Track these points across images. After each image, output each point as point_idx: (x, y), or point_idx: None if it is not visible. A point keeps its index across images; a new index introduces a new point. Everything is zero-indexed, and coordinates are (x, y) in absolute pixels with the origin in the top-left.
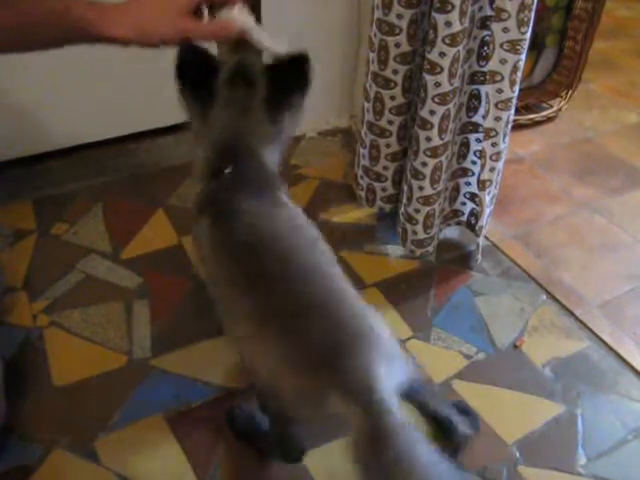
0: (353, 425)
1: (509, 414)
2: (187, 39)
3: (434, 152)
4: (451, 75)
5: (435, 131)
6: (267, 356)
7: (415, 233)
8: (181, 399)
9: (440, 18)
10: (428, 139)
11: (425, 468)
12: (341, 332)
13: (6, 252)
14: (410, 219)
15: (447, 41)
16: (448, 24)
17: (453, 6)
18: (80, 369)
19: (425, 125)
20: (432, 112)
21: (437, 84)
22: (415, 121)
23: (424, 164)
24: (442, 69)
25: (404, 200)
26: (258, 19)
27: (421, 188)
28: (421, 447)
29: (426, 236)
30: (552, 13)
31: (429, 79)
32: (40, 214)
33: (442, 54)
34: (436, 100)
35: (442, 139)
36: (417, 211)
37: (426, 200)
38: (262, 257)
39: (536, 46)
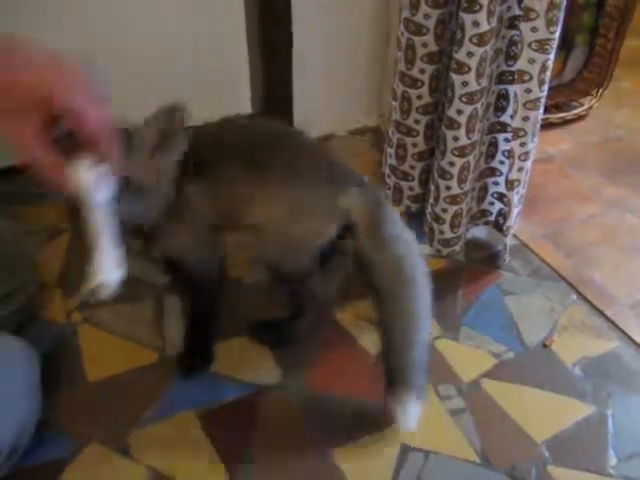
0: (358, 215)
1: (538, 413)
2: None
3: (461, 152)
4: (479, 75)
5: (463, 131)
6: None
7: (442, 232)
8: (212, 395)
9: (468, 18)
10: (455, 138)
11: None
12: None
13: (41, 249)
14: (437, 218)
15: (475, 41)
16: (476, 24)
17: (481, 6)
18: (113, 365)
19: (452, 125)
20: (459, 111)
21: (464, 83)
22: (442, 121)
23: (451, 164)
24: (470, 69)
25: (431, 199)
26: (288, 19)
27: (448, 188)
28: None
29: (453, 235)
30: (583, 10)
31: (456, 79)
32: (73, 212)
33: (470, 54)
34: (463, 100)
35: (469, 139)
36: (444, 210)
37: (453, 199)
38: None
39: (566, 44)
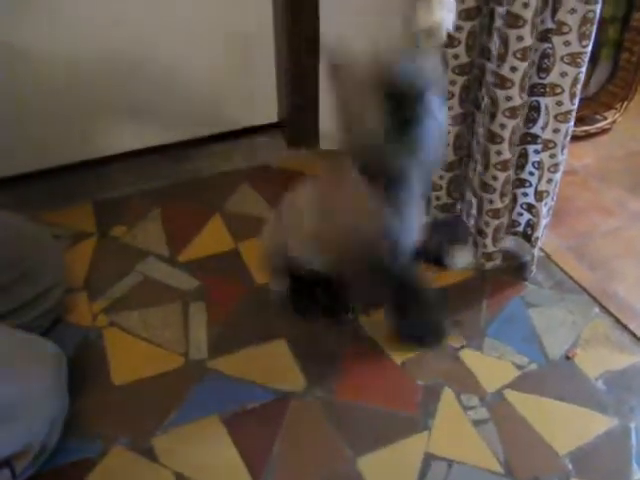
0: None
1: (561, 425)
2: None
3: (504, 165)
4: (522, 89)
5: (506, 145)
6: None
7: (485, 246)
8: (237, 401)
9: (512, 33)
10: (498, 153)
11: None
12: None
13: (67, 253)
14: (480, 232)
15: (519, 55)
16: (520, 39)
17: (525, 21)
18: (138, 368)
19: (495, 139)
20: (503, 126)
21: (508, 98)
22: (475, 134)
23: (495, 178)
24: (513, 84)
25: (473, 213)
26: (316, 36)
27: (491, 201)
28: None
29: (494, 249)
30: (608, 25)
31: (500, 93)
32: (100, 216)
33: (514, 69)
34: (507, 114)
35: (512, 153)
36: (487, 224)
37: (495, 213)
38: None
39: (592, 58)
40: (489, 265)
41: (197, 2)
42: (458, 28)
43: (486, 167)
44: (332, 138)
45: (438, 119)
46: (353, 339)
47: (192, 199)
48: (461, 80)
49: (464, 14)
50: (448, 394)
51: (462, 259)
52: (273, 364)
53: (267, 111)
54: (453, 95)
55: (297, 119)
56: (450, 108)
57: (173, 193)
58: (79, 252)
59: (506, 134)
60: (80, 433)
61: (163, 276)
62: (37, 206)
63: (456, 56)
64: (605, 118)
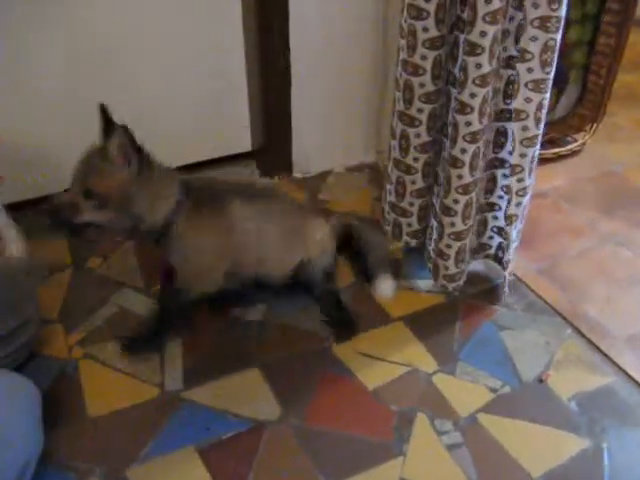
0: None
1: (535, 448)
2: None
3: (466, 189)
4: (481, 114)
5: (466, 169)
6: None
7: (447, 268)
8: (212, 431)
9: (470, 60)
10: (459, 177)
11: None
12: None
13: (43, 285)
14: (441, 255)
15: (478, 82)
16: (478, 66)
17: (483, 49)
18: (114, 400)
19: (456, 163)
20: (463, 151)
21: (467, 123)
22: (442, 159)
23: (456, 201)
24: (472, 109)
25: (434, 236)
26: (287, 58)
27: (453, 224)
28: None
29: (457, 270)
30: (575, 49)
31: (460, 119)
32: (75, 248)
33: (472, 95)
34: (467, 139)
35: (473, 176)
36: (449, 246)
37: (457, 236)
38: None
39: (559, 81)
40: (451, 286)
41: (172, 35)
42: (423, 57)
43: (447, 191)
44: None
45: None
46: (326, 366)
47: None
48: (428, 108)
49: (428, 43)
50: (422, 419)
51: (386, 288)
52: (247, 393)
53: (241, 140)
54: (421, 123)
55: (270, 148)
56: (418, 136)
57: None
58: (54, 284)
59: (466, 158)
60: (54, 466)
61: (138, 307)
62: None
63: (422, 84)
64: (575, 140)
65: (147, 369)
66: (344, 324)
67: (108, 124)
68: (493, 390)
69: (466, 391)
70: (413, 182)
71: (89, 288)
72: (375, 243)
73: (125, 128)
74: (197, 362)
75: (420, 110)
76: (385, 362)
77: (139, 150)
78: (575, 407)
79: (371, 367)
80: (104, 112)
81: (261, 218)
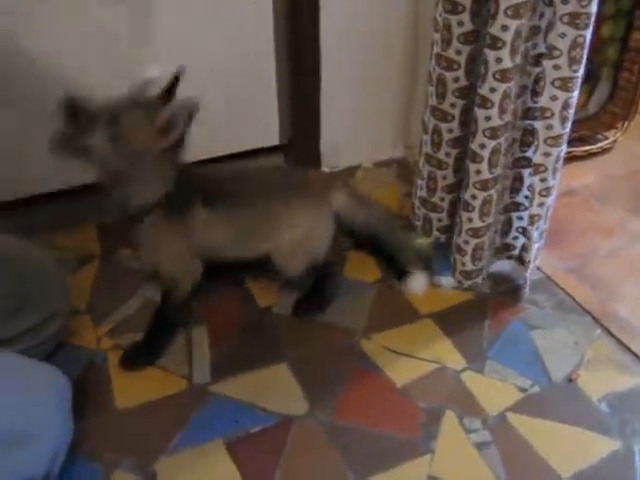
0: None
1: (564, 448)
2: None
3: (484, 185)
4: (502, 110)
5: (485, 165)
6: None
7: (463, 264)
8: (239, 424)
9: (491, 54)
10: (478, 172)
11: None
12: None
13: (71, 276)
14: (459, 250)
15: (497, 77)
16: (499, 60)
17: (504, 43)
18: (142, 392)
19: (475, 158)
20: (482, 146)
21: (487, 118)
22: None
23: (474, 197)
24: (493, 104)
25: (455, 231)
26: (317, 51)
27: (470, 220)
28: None
29: (474, 268)
30: (607, 45)
31: (480, 113)
32: (104, 239)
33: (492, 89)
34: (486, 134)
35: (492, 173)
36: (466, 242)
37: (475, 232)
38: None
39: (592, 78)
40: (468, 283)
41: (200, 26)
42: (457, 52)
43: (467, 186)
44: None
45: None
46: (355, 362)
47: None
48: (461, 103)
49: (463, 37)
50: (450, 417)
51: (417, 285)
52: (275, 387)
53: (269, 133)
54: (453, 118)
55: (299, 141)
56: (450, 131)
57: None
58: (83, 275)
59: (486, 154)
60: (83, 457)
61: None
62: (40, 230)
63: (456, 79)
64: (606, 138)
65: (175, 362)
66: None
67: (170, 90)
68: (522, 389)
69: (495, 389)
70: (444, 177)
71: (117, 279)
72: (404, 239)
73: (194, 106)
74: (225, 355)
75: (453, 105)
76: (413, 359)
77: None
78: (606, 408)
79: (399, 363)
80: (177, 79)
81: (224, 216)
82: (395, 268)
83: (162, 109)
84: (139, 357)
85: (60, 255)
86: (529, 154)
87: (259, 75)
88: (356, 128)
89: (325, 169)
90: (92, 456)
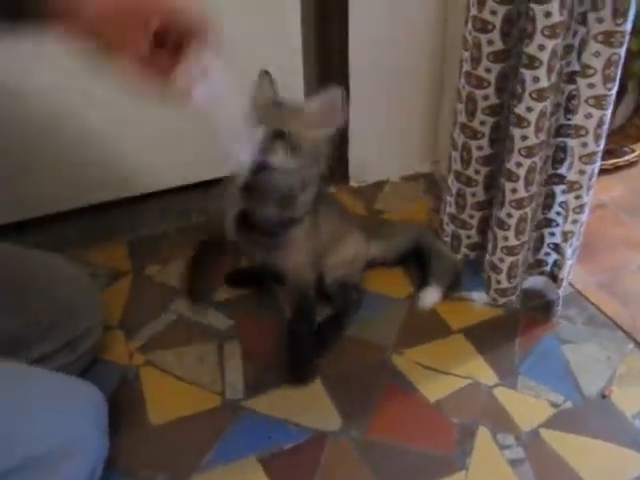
0: None
1: (599, 465)
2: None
3: (519, 204)
4: (538, 129)
5: (521, 183)
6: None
7: (499, 282)
8: (273, 441)
9: (528, 74)
10: (514, 191)
11: None
12: None
13: (103, 292)
14: (494, 268)
15: (534, 96)
16: (536, 79)
17: (541, 62)
18: (175, 408)
19: (511, 177)
20: (518, 164)
21: (524, 137)
22: (501, 172)
23: (509, 215)
24: (529, 123)
25: (489, 249)
26: (346, 67)
27: (506, 238)
28: None
29: (509, 285)
30: (635, 58)
31: (516, 132)
32: (134, 255)
33: (529, 109)
34: (522, 153)
35: (528, 191)
36: (501, 260)
37: (510, 250)
38: None
39: (618, 91)
40: (502, 301)
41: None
42: (487, 70)
43: (502, 204)
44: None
45: None
46: (387, 377)
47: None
48: (491, 121)
49: (492, 56)
50: (484, 433)
51: (427, 299)
52: (308, 403)
53: None
54: (483, 135)
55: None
56: (480, 148)
57: (206, 231)
58: (114, 291)
59: (522, 172)
60: (118, 473)
61: (197, 315)
62: (72, 245)
63: (486, 97)
64: (633, 150)
65: (207, 378)
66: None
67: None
68: (555, 405)
69: (527, 405)
70: (474, 194)
71: (149, 295)
72: (443, 254)
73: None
74: (257, 371)
75: (483, 123)
76: (445, 374)
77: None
78: None
79: (432, 379)
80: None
81: (329, 220)
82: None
83: (309, 102)
84: (307, 372)
85: (91, 271)
86: (561, 171)
87: (287, 90)
88: (384, 143)
89: (353, 184)
90: (127, 472)
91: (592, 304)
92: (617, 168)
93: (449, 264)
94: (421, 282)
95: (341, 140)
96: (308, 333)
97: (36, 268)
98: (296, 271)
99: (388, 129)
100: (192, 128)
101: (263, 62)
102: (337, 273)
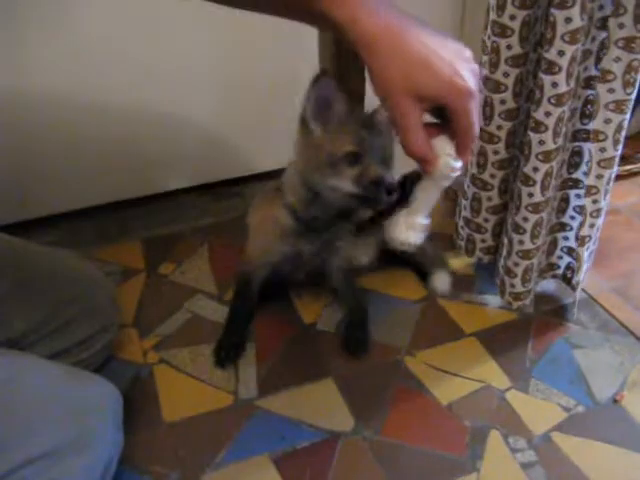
0: None
1: (611, 470)
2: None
3: (536, 208)
4: (555, 134)
5: (538, 188)
6: None
7: (513, 286)
8: (286, 440)
9: (547, 79)
10: (530, 195)
11: None
12: None
13: (117, 290)
14: (509, 272)
15: (553, 101)
16: (555, 85)
17: (560, 68)
18: (189, 406)
19: (528, 181)
20: (535, 169)
21: (541, 142)
22: (517, 176)
23: (525, 219)
24: (547, 128)
25: (504, 253)
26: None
27: (521, 242)
28: None
29: (524, 289)
30: None
31: (533, 137)
32: (148, 253)
33: (547, 113)
34: (540, 157)
35: (544, 196)
36: (516, 264)
37: (525, 254)
38: None
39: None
40: (517, 304)
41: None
42: (505, 74)
43: (518, 208)
44: None
45: None
46: (399, 379)
47: (240, 236)
48: (507, 125)
49: (510, 61)
50: (495, 436)
51: (441, 284)
52: (321, 403)
53: None
54: (499, 140)
55: None
56: (496, 152)
57: (220, 230)
58: (128, 289)
59: (538, 177)
60: (131, 470)
61: (211, 314)
62: (87, 243)
63: (503, 101)
64: None
65: (221, 377)
66: (359, 342)
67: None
68: (567, 409)
69: (539, 409)
70: (489, 198)
71: (163, 294)
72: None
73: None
74: (270, 371)
75: (499, 127)
76: (458, 377)
77: None
78: None
79: (444, 382)
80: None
81: None
82: (419, 270)
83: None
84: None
85: (105, 269)
86: (576, 175)
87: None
88: (398, 146)
89: None
90: (140, 469)
91: (605, 309)
92: (632, 175)
93: (430, 249)
94: (421, 275)
95: None
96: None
97: (52, 266)
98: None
99: None
100: (208, 130)
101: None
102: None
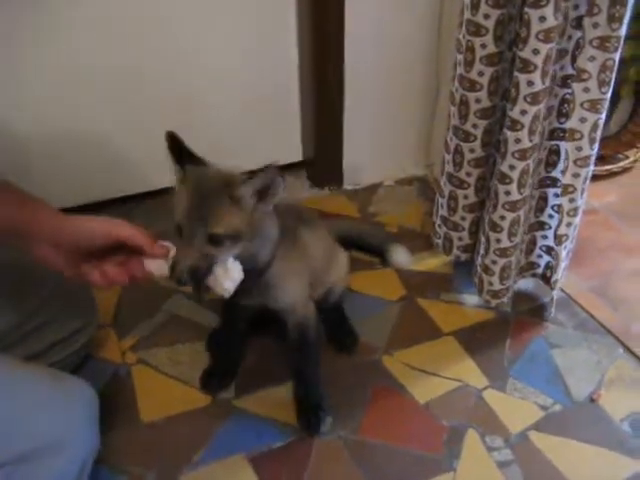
0: None
1: (587, 469)
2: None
3: (512, 206)
4: (531, 132)
5: (514, 186)
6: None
7: (491, 284)
8: (262, 440)
9: (522, 77)
10: (507, 193)
11: None
12: None
13: (96, 290)
14: (487, 270)
15: (529, 99)
16: (530, 83)
17: (535, 66)
18: (166, 406)
19: (504, 179)
20: (512, 167)
21: (517, 140)
22: (494, 174)
23: (502, 217)
24: (523, 126)
25: (481, 251)
26: (341, 71)
27: (498, 240)
28: None
29: (502, 287)
30: (629, 65)
31: (510, 135)
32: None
33: (523, 112)
34: (516, 155)
35: (521, 194)
36: (494, 262)
37: (503, 252)
38: None
39: (612, 97)
40: (495, 302)
41: (222, 41)
42: (480, 73)
43: (495, 206)
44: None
45: None
46: (377, 378)
47: None
48: (483, 124)
49: (485, 60)
50: (472, 435)
51: (402, 258)
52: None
53: (292, 150)
54: (475, 138)
55: (321, 159)
56: (472, 151)
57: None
58: (107, 289)
59: (515, 175)
60: (108, 469)
61: (190, 314)
62: None
63: (478, 100)
64: (627, 157)
65: (199, 377)
66: (348, 337)
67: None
68: (544, 408)
69: (516, 408)
70: (466, 197)
71: (141, 294)
72: (368, 229)
73: (276, 169)
74: (247, 371)
75: (475, 125)
76: (435, 376)
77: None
78: (628, 428)
79: (422, 381)
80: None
81: (318, 243)
82: (375, 253)
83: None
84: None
85: None
86: (554, 174)
87: (283, 92)
88: (378, 146)
89: (347, 187)
90: (117, 469)
91: (583, 309)
92: (611, 174)
93: (377, 231)
94: (377, 253)
95: (335, 143)
96: (316, 377)
97: (29, 266)
98: (293, 304)
99: (382, 132)
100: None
101: (259, 67)
102: (339, 288)
